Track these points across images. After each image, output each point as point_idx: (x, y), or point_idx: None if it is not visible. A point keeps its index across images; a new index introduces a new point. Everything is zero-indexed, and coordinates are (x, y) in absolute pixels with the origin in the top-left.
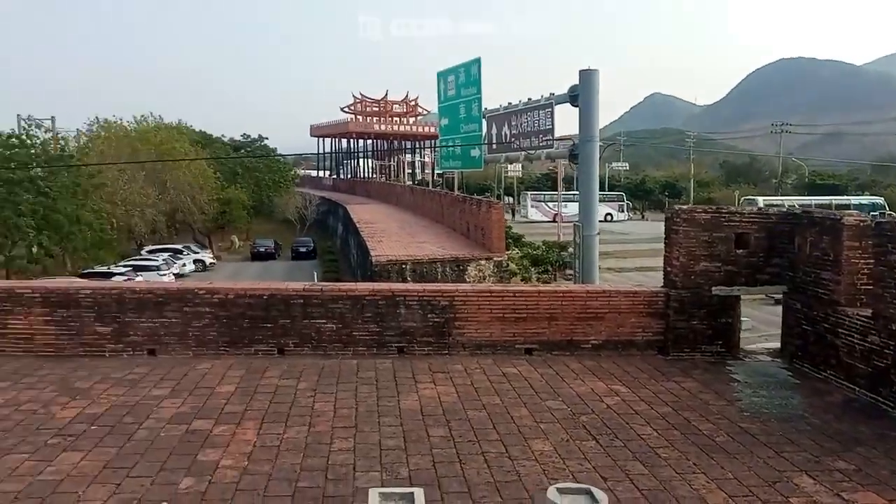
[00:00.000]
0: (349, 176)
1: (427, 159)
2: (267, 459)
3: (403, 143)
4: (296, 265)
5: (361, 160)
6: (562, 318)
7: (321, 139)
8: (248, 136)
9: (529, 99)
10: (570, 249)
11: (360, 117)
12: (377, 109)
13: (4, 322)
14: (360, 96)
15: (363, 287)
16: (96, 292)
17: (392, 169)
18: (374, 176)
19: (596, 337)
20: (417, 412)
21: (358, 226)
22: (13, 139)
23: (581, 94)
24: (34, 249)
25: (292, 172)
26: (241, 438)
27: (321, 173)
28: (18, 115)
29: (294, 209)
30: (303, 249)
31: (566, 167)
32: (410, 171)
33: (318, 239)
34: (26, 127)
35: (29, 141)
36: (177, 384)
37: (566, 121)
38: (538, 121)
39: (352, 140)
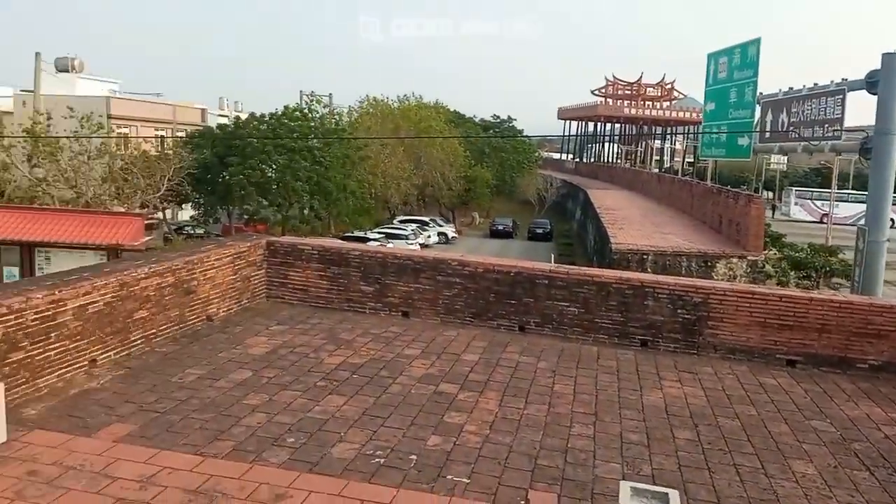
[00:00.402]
0: (592, 160)
1: (678, 146)
2: (508, 431)
3: (653, 128)
4: (531, 245)
5: (606, 144)
6: (836, 330)
7: (567, 122)
8: (498, 116)
9: (815, 84)
10: (842, 255)
11: (609, 100)
12: (629, 93)
13: (286, 273)
14: (612, 79)
15: (609, 274)
16: (364, 254)
17: (638, 155)
18: (619, 161)
19: (876, 357)
20: (662, 410)
21: (598, 211)
22: (297, 112)
23: (881, 81)
24: (305, 211)
25: (536, 154)
26: (483, 407)
27: (564, 156)
28: (301, 90)
29: (534, 191)
30: (539, 231)
31: (842, 163)
32: (658, 157)
33: (555, 221)
34: (308, 102)
35: (310, 114)
36: (426, 347)
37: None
38: (825, 108)
39: (599, 124)
